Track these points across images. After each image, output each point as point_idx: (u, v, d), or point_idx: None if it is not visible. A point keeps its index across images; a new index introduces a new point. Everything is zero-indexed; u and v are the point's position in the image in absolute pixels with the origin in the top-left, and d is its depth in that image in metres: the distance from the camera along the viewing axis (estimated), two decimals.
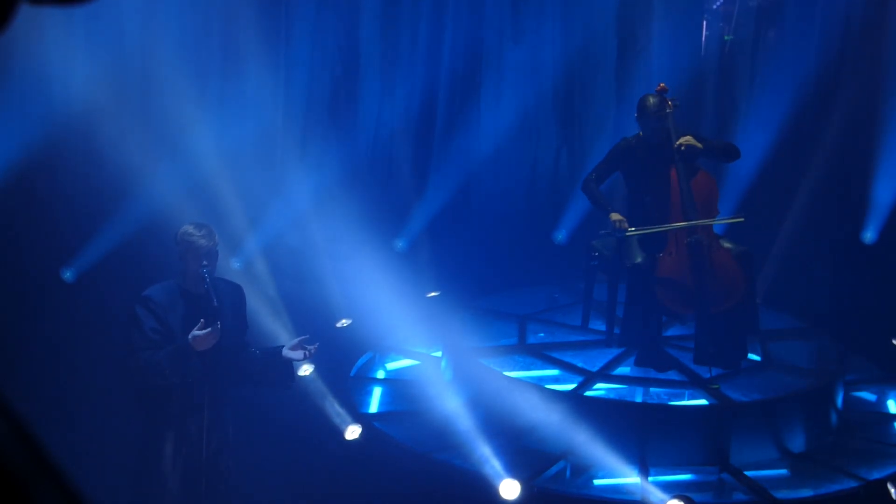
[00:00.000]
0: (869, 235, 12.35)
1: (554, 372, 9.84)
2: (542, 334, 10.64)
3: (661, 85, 9.63)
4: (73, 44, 10.86)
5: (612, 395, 9.60)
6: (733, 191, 12.28)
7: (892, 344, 10.97)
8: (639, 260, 9.31)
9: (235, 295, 7.20)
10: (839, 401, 9.65)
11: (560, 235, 12.84)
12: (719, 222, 9.64)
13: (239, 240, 11.09)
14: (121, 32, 11.17)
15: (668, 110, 9.42)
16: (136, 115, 10.93)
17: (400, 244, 12.52)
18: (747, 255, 9.53)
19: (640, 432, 8.70)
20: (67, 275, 10.59)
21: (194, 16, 11.63)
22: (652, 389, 9.64)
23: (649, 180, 9.43)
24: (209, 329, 6.65)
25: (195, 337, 6.66)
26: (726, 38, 13.25)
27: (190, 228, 6.89)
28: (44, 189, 10.72)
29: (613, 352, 9.89)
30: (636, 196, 9.61)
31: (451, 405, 9.41)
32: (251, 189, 11.40)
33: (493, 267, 12.38)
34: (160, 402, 6.88)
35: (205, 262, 6.81)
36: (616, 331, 9.99)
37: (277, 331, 9.75)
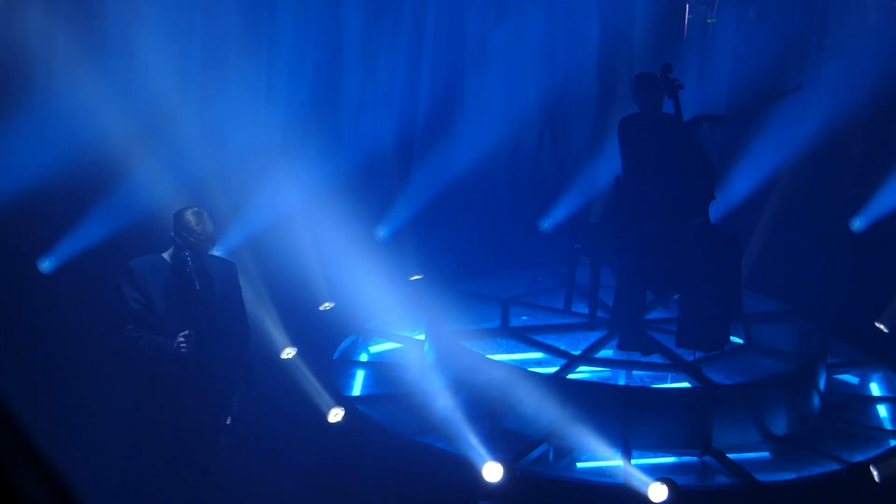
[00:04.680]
0: (858, 224, 12.39)
1: (537, 355, 9.83)
2: (524, 317, 10.63)
3: (667, 64, 9.61)
4: (56, 29, 10.83)
5: (594, 378, 9.60)
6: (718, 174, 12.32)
7: (875, 327, 11.00)
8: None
9: (226, 273, 7.13)
10: (822, 384, 9.67)
11: (546, 224, 12.82)
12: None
13: (223, 227, 11.05)
14: (103, 12, 11.11)
15: (670, 83, 9.39)
16: (119, 98, 10.87)
17: (381, 233, 12.48)
18: (733, 237, 9.53)
19: (623, 415, 8.70)
20: (45, 265, 10.50)
21: (176, 1, 11.60)
22: (635, 372, 9.64)
23: (662, 157, 9.33)
24: (187, 343, 6.66)
25: (180, 345, 6.66)
26: (709, 21, 13.25)
27: (189, 215, 6.80)
28: (26, 177, 10.66)
29: (596, 335, 9.89)
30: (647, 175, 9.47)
31: (434, 388, 9.41)
32: (233, 176, 11.37)
33: (476, 250, 12.36)
34: (151, 379, 6.85)
35: (188, 252, 6.74)
36: (600, 313, 10.00)
37: (261, 316, 9.74)
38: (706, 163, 9.48)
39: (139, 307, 6.73)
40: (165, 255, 6.91)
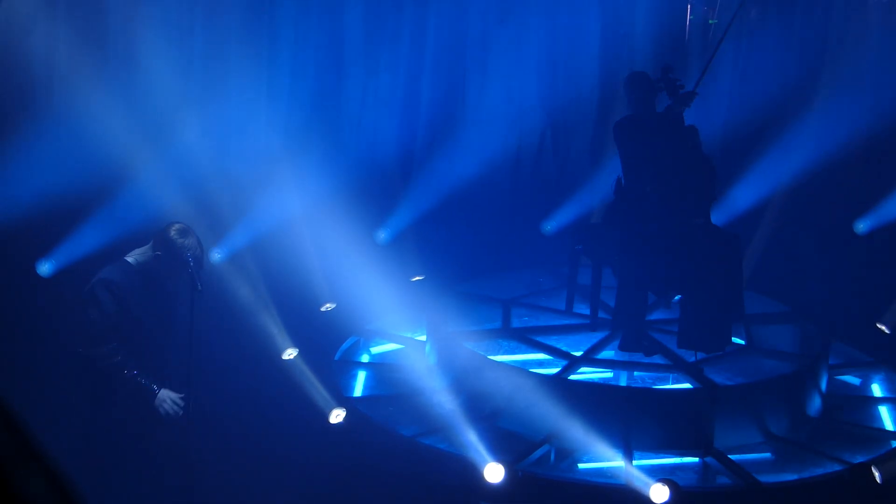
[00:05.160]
0: (862, 226, 12.40)
1: (538, 356, 9.83)
2: (526, 318, 10.63)
3: (667, 65, 9.62)
4: (58, 36, 10.84)
5: (596, 379, 9.60)
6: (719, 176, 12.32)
7: (877, 328, 11.00)
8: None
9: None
10: (823, 385, 9.67)
11: (549, 226, 12.81)
12: None
13: (224, 229, 11.06)
14: (104, 18, 11.12)
15: (671, 85, 9.41)
16: (120, 103, 10.87)
17: (382, 235, 12.46)
18: (735, 238, 9.53)
19: (624, 416, 8.70)
20: (45, 268, 10.48)
21: (177, 6, 11.60)
22: (636, 373, 9.64)
23: (660, 158, 9.34)
24: (175, 405, 6.72)
25: (162, 400, 6.71)
26: (711, 21, 13.24)
27: (185, 240, 6.79)
28: (25, 179, 10.66)
29: (598, 336, 9.90)
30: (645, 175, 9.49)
31: (435, 389, 9.41)
32: (236, 178, 11.38)
33: (478, 251, 12.36)
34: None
35: (190, 255, 6.76)
36: (601, 314, 10.01)
37: (263, 317, 9.76)
38: (706, 163, 9.48)
39: (120, 319, 6.73)
40: (130, 259, 6.91)
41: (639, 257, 9.34)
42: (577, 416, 8.56)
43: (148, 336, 6.82)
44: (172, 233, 6.80)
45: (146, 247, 6.93)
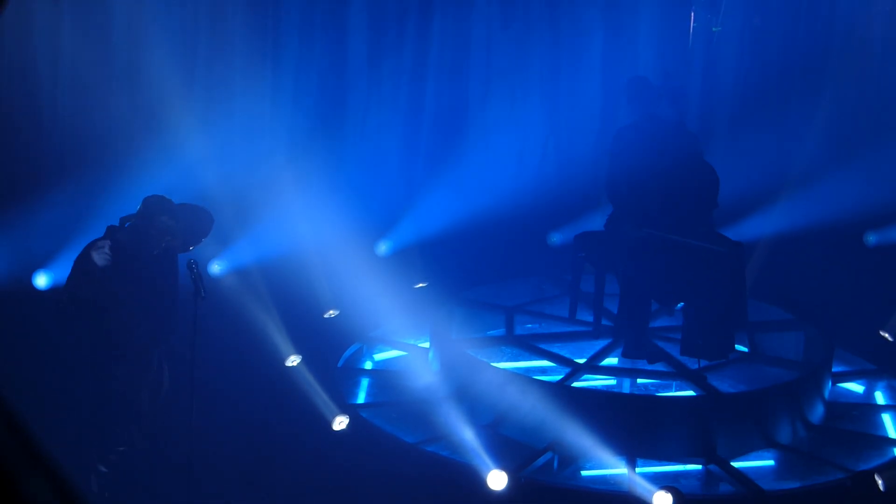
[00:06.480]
0: (871, 238, 12.41)
1: (542, 363, 9.83)
2: (529, 325, 10.63)
3: (666, 71, 9.61)
4: (62, 42, 10.87)
5: (599, 387, 9.59)
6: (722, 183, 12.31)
7: (880, 335, 10.99)
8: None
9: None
10: (826, 392, 9.66)
11: (555, 238, 12.80)
12: None
13: (228, 236, 11.07)
14: (109, 17, 11.15)
15: (671, 90, 9.40)
16: (124, 107, 10.89)
17: (383, 248, 12.45)
18: (737, 247, 9.51)
19: (627, 423, 8.69)
20: (41, 280, 10.47)
21: (182, 6, 11.62)
22: (639, 381, 9.63)
23: (662, 166, 9.33)
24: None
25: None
26: (714, 29, 13.26)
27: (153, 200, 7.04)
28: (23, 184, 10.68)
29: (601, 343, 9.89)
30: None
31: (438, 396, 9.41)
32: (239, 185, 11.40)
33: (481, 258, 12.36)
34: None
35: (194, 262, 6.91)
36: (604, 322, 10.00)
37: (266, 323, 9.77)
38: (709, 170, 9.47)
39: (112, 285, 6.85)
40: (116, 233, 7.03)
41: (642, 265, 9.33)
42: (581, 423, 8.55)
43: (139, 304, 6.93)
44: (152, 199, 6.99)
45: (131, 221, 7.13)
